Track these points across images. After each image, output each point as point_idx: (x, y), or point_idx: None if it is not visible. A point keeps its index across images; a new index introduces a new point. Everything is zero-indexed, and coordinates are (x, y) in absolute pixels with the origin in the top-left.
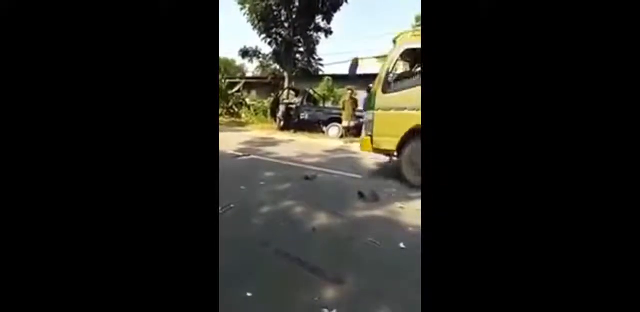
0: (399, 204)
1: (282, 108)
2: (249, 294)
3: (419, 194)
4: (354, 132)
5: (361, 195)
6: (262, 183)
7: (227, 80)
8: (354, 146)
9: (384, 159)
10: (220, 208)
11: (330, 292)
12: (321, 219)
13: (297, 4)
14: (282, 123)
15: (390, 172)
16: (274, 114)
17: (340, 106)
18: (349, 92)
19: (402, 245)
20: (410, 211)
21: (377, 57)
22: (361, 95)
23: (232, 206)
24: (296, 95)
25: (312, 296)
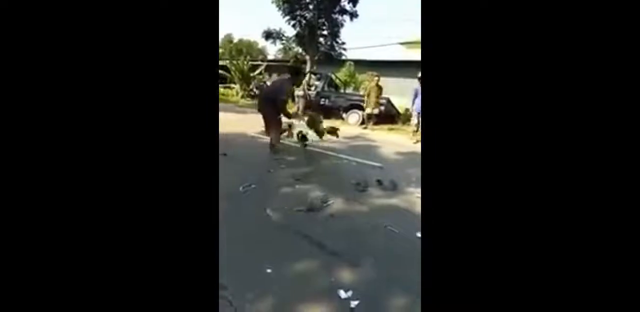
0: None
1: (301, 92)
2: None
3: None
4: (376, 120)
5: (380, 183)
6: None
7: (249, 63)
8: (374, 134)
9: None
10: (241, 187)
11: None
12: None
13: None
14: (300, 107)
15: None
16: (293, 98)
17: (363, 92)
18: (376, 78)
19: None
20: None
21: (402, 43)
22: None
23: (253, 186)
24: (318, 80)
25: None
